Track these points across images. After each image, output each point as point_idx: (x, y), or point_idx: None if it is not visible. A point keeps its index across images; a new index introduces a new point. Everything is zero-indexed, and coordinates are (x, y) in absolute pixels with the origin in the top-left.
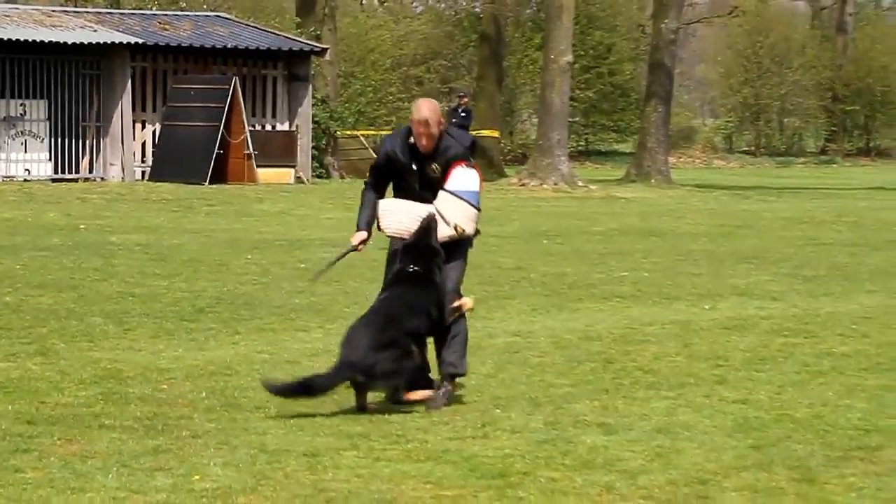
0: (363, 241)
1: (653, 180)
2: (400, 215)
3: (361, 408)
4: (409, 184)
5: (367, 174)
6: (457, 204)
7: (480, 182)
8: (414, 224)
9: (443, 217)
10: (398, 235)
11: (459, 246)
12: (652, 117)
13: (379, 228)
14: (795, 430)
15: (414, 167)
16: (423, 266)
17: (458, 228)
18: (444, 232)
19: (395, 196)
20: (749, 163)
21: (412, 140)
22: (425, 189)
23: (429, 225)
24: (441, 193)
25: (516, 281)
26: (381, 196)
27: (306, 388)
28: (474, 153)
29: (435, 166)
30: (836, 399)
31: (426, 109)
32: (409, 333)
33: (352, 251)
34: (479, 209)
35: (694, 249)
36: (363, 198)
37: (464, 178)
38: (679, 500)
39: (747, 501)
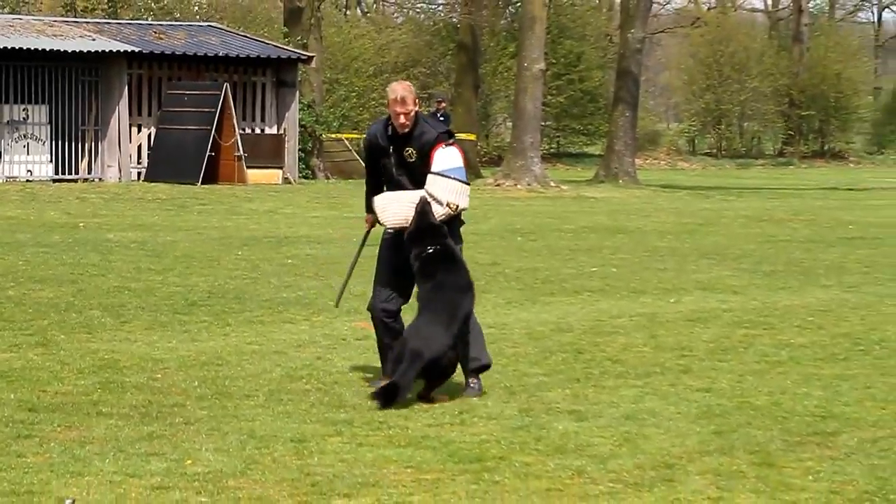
0: (372, 224)
1: (620, 181)
2: (395, 207)
3: (425, 398)
4: (387, 168)
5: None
6: (445, 182)
7: (463, 158)
8: (410, 211)
9: (435, 198)
10: (399, 226)
11: (452, 228)
12: (619, 121)
13: (381, 224)
14: (755, 416)
15: (391, 150)
16: (433, 243)
17: (452, 205)
18: (439, 211)
19: (387, 187)
20: (711, 164)
21: (390, 127)
22: (402, 173)
23: (423, 208)
24: (429, 177)
25: (492, 276)
26: (379, 184)
27: (395, 392)
28: (451, 138)
29: (410, 151)
30: (794, 387)
31: (401, 89)
32: (465, 319)
33: (365, 241)
34: (467, 183)
35: (659, 246)
36: (366, 188)
37: (446, 157)
38: (646, 482)
39: (710, 484)
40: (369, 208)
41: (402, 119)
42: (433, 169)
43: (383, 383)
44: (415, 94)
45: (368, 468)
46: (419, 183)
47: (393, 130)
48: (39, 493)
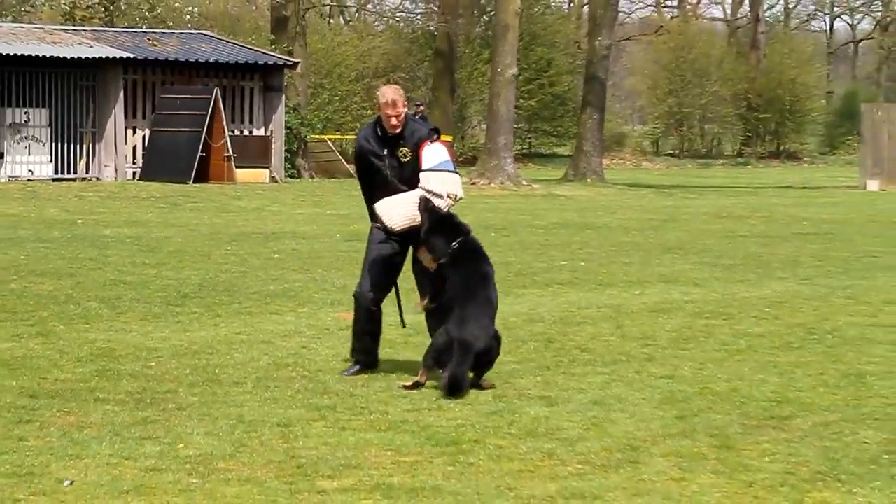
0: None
1: (588, 180)
2: (400, 209)
3: (476, 385)
4: (381, 171)
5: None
6: (439, 176)
7: (450, 151)
8: (415, 210)
9: (434, 193)
10: (408, 227)
11: None
12: (588, 124)
13: (388, 230)
14: (715, 402)
15: (385, 152)
16: (455, 237)
17: (452, 195)
18: (440, 203)
19: (379, 193)
20: (674, 164)
21: (381, 129)
22: (396, 174)
23: (427, 205)
24: (422, 175)
25: None
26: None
27: (458, 384)
28: (437, 135)
29: (405, 150)
30: (752, 374)
31: (392, 92)
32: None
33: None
34: (459, 173)
35: (625, 241)
36: (366, 200)
37: (433, 153)
38: (612, 464)
39: (673, 465)
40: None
41: (393, 121)
42: (424, 166)
43: (424, 378)
44: (404, 96)
45: (351, 451)
46: (412, 181)
47: (384, 132)
48: (40, 475)
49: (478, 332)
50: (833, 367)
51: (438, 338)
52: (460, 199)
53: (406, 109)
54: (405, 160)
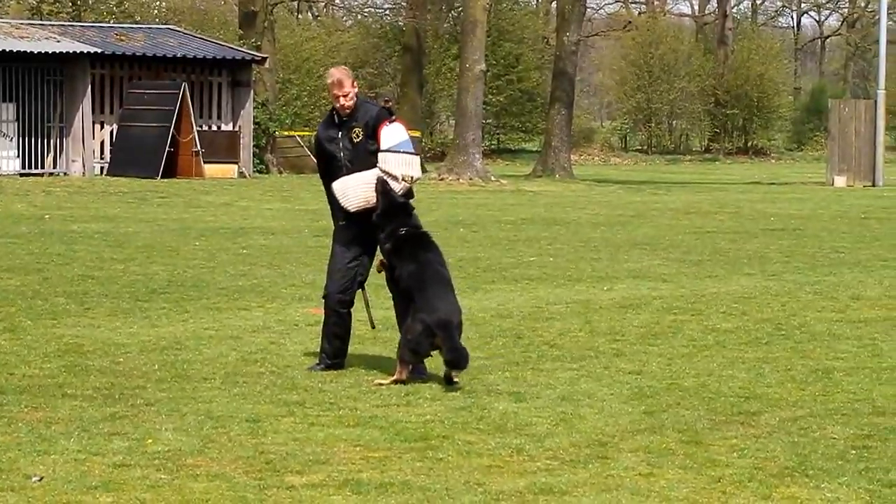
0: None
1: (557, 175)
2: (356, 190)
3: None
4: (336, 155)
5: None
6: (396, 157)
7: (408, 129)
8: (370, 191)
9: (390, 174)
10: (362, 207)
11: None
12: (556, 119)
13: (345, 211)
14: (684, 397)
15: (339, 135)
16: (403, 223)
17: (406, 177)
18: (395, 186)
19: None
20: (642, 160)
21: (336, 116)
22: (349, 155)
23: (384, 188)
24: (380, 155)
25: None
26: (333, 178)
27: (460, 358)
28: (391, 115)
29: (357, 130)
30: (720, 370)
31: (337, 72)
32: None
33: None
34: (416, 153)
35: (594, 237)
36: (328, 197)
37: (392, 133)
38: (581, 460)
39: (641, 461)
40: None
41: (342, 101)
42: (382, 147)
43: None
44: (352, 76)
45: (319, 447)
46: (366, 162)
47: (338, 117)
48: (7, 471)
49: (451, 307)
50: (801, 362)
51: (411, 329)
52: (417, 179)
53: (356, 89)
54: (357, 140)
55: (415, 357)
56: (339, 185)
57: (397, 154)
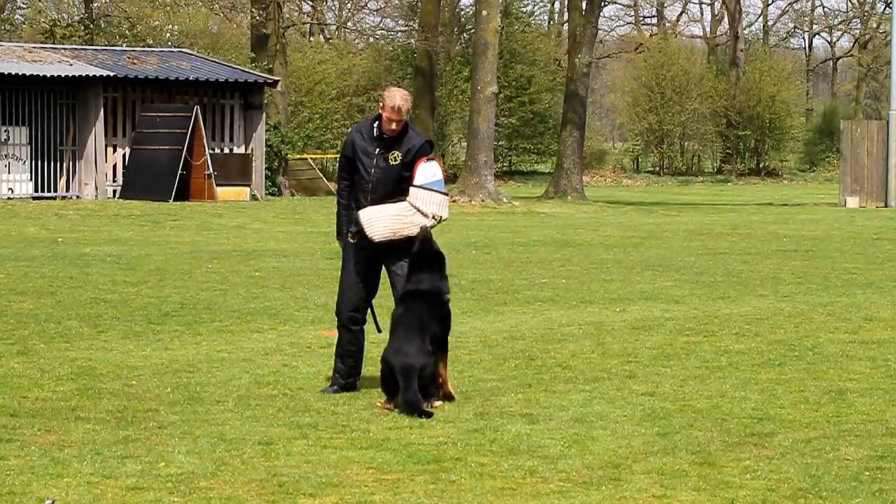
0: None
1: (569, 197)
2: (384, 221)
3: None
4: (365, 168)
5: (337, 175)
6: (428, 196)
7: (442, 171)
8: (398, 223)
9: (420, 210)
10: (387, 239)
11: None
12: (568, 141)
13: (366, 238)
14: (697, 419)
15: (376, 150)
16: (433, 273)
17: (437, 216)
18: (425, 223)
19: (350, 191)
20: (654, 182)
21: (377, 128)
22: (379, 174)
23: (426, 236)
24: (412, 190)
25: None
26: (352, 183)
27: (414, 405)
28: (432, 149)
29: (396, 154)
30: (733, 391)
31: (400, 98)
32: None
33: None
34: (447, 194)
35: (606, 258)
36: (338, 206)
37: (428, 170)
38: (594, 481)
39: (654, 483)
40: (340, 229)
41: (393, 126)
42: (416, 182)
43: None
44: (410, 104)
45: (332, 469)
46: (388, 187)
47: (380, 132)
48: (21, 494)
49: (414, 352)
50: (814, 383)
51: (383, 366)
52: (444, 220)
53: (407, 117)
54: (394, 164)
55: (388, 394)
56: (365, 215)
57: (430, 192)
